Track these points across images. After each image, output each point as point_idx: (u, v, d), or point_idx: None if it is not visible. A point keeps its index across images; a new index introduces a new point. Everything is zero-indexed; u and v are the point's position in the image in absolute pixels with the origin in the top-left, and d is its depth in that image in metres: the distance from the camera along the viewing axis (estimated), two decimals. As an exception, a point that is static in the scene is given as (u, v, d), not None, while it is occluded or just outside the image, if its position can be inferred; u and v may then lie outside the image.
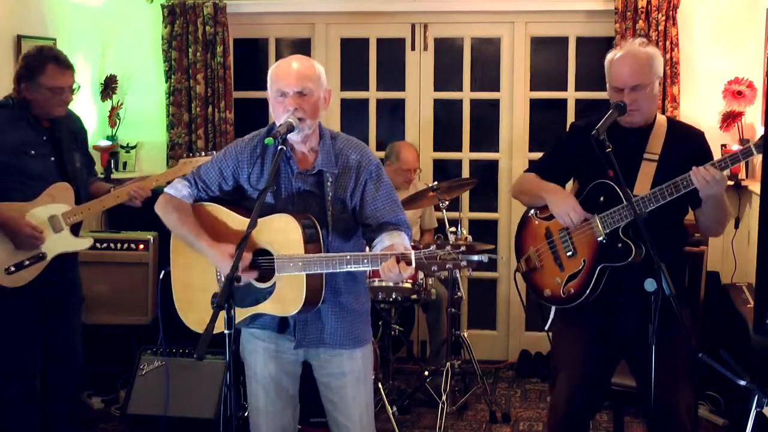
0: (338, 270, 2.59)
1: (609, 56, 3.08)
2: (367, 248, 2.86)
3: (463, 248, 2.45)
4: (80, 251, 3.77)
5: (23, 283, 3.52)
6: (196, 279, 2.82)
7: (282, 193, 2.76)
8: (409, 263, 2.48)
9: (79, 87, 3.72)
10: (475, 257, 2.45)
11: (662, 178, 2.92)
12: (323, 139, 2.78)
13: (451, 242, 2.49)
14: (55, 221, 3.59)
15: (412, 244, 2.60)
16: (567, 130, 3.32)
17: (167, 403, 3.99)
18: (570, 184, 3.29)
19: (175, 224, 2.82)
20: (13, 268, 3.50)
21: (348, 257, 2.56)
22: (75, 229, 3.69)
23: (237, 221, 2.78)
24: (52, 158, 3.63)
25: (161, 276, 2.91)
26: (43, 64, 3.52)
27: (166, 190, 2.88)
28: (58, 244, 3.60)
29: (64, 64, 3.57)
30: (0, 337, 3.62)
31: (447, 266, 2.45)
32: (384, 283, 4.37)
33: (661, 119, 3.10)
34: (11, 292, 3.51)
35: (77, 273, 3.84)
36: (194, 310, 2.84)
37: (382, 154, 5.07)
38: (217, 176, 2.83)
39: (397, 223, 2.75)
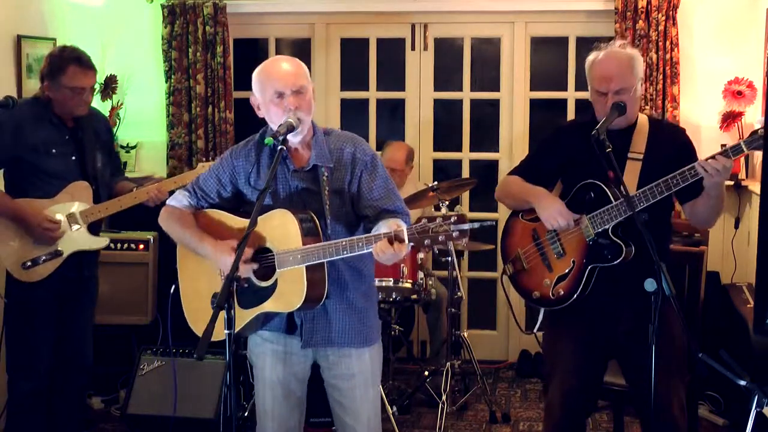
0: (336, 257, 2.58)
1: (590, 58, 3.08)
2: None
3: (453, 219, 2.44)
4: (94, 251, 3.81)
5: (39, 279, 3.59)
6: (203, 287, 2.82)
7: (280, 193, 2.76)
8: (402, 241, 2.46)
9: (101, 86, 3.77)
10: (466, 226, 2.42)
11: (648, 176, 2.93)
12: (316, 135, 2.79)
13: (441, 215, 2.47)
14: (73, 219, 3.65)
15: None
16: (552, 131, 3.31)
17: (175, 402, 3.97)
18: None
19: (178, 233, 2.84)
20: (29, 263, 3.57)
21: (344, 243, 2.55)
22: (94, 228, 3.74)
23: (237, 222, 2.79)
24: (74, 157, 3.69)
25: (171, 291, 2.92)
26: (65, 64, 3.58)
27: (168, 202, 2.92)
28: (74, 241, 3.66)
29: (86, 65, 3.64)
30: (16, 332, 3.69)
31: (440, 238, 2.42)
32: (384, 283, 4.37)
33: (642, 118, 3.11)
34: (28, 287, 3.59)
35: (95, 271, 3.89)
36: (203, 319, 2.82)
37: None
38: (215, 183, 2.85)
39: (395, 211, 2.74)
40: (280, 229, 2.65)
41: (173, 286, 2.93)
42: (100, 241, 3.79)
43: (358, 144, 2.81)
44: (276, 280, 2.68)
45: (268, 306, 2.70)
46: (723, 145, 3.05)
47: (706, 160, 2.82)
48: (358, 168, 2.77)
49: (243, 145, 2.86)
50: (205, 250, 2.75)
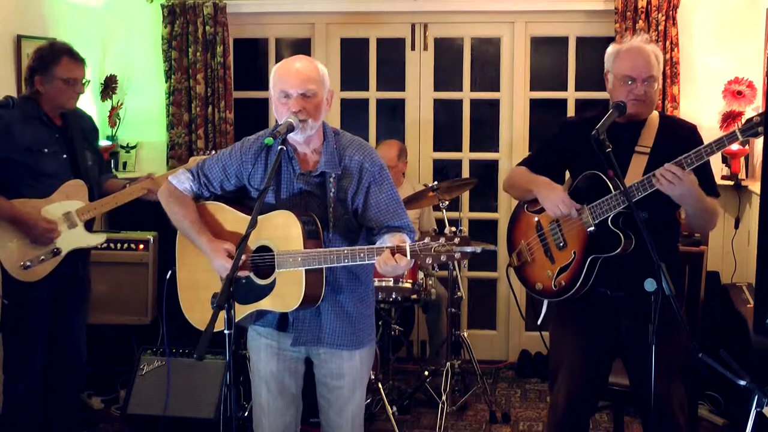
0: (336, 264, 2.60)
1: (614, 48, 3.09)
2: None
3: (457, 240, 2.47)
4: (91, 248, 3.84)
5: (38, 278, 3.62)
6: (200, 278, 2.83)
7: (283, 194, 2.76)
8: (404, 255, 2.49)
9: (89, 81, 3.79)
10: (469, 248, 2.47)
11: (653, 170, 2.92)
12: (327, 140, 2.77)
13: (445, 234, 2.52)
14: (69, 218, 3.68)
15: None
16: (558, 126, 3.33)
17: (167, 402, 3.98)
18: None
19: (177, 217, 2.82)
20: (29, 263, 3.59)
21: (345, 251, 2.57)
22: (89, 226, 3.77)
23: (239, 219, 2.79)
24: (65, 156, 3.71)
25: (168, 276, 2.93)
26: (58, 56, 3.62)
27: (169, 178, 2.89)
28: (72, 239, 3.69)
29: (77, 57, 3.69)
30: (14, 332, 3.70)
31: (441, 258, 2.46)
32: (384, 283, 4.37)
33: (653, 113, 3.12)
34: (27, 287, 3.61)
35: (88, 269, 3.92)
36: (197, 309, 2.86)
37: (382, 154, 5.06)
38: (220, 173, 2.83)
39: (401, 227, 2.75)
40: (282, 229, 2.65)
41: (169, 272, 2.93)
42: (97, 238, 3.82)
43: (367, 153, 2.79)
44: (274, 279, 2.69)
45: (264, 304, 2.71)
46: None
47: (662, 168, 2.83)
48: (365, 179, 2.76)
49: (255, 139, 2.84)
50: (202, 244, 2.75)
